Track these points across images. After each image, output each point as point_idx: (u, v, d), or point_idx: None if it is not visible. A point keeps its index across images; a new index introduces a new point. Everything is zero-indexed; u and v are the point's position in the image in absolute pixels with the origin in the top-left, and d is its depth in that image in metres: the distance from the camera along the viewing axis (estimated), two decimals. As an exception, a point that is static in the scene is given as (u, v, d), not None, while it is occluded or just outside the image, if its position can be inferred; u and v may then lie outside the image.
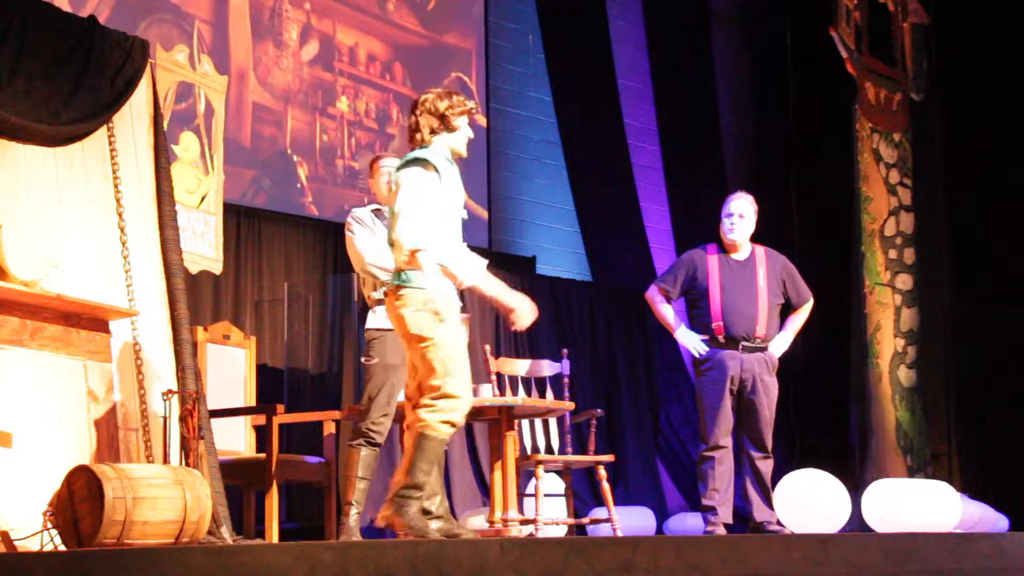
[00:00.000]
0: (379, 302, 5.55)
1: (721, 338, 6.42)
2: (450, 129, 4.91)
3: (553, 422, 6.69)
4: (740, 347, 6.41)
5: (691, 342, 6.47)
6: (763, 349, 6.45)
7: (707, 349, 6.44)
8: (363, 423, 5.57)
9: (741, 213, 6.53)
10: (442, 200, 4.81)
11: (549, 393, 6.92)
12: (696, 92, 10.89)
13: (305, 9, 8.59)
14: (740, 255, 6.58)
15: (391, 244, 4.86)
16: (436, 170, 4.81)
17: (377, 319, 5.58)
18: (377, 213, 5.78)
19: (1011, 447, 9.84)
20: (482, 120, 4.64)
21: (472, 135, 5.04)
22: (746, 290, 6.47)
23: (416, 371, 4.82)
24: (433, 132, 4.91)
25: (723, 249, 6.59)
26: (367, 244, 5.63)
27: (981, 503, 9.02)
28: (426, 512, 4.74)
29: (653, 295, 6.63)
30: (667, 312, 6.60)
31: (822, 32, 9.89)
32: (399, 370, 5.51)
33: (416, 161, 4.83)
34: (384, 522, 4.76)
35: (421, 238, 4.71)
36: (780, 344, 6.54)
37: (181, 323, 5.54)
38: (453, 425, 4.75)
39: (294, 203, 8.33)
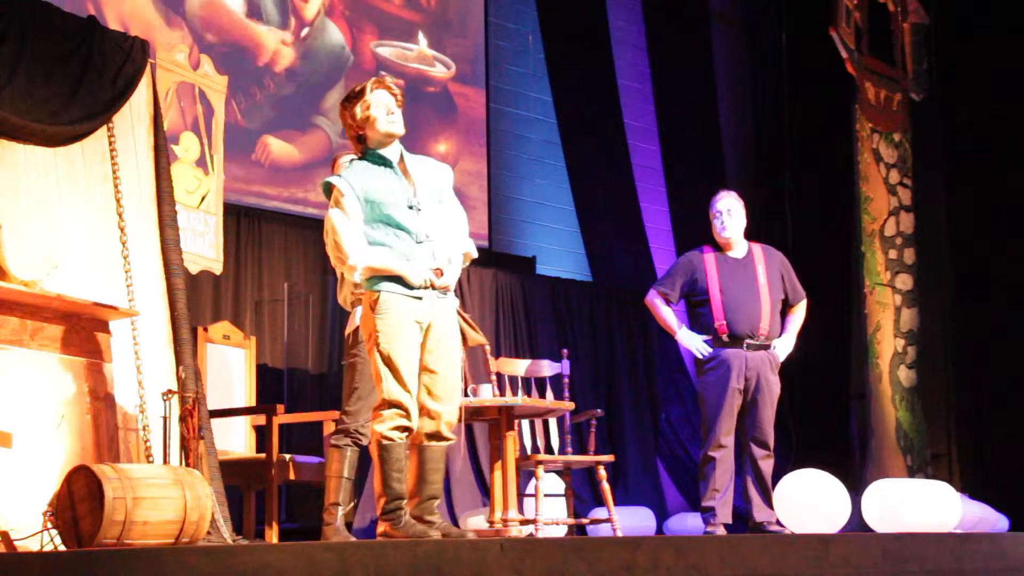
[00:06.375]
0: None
1: (725, 337, 6.41)
2: (368, 125, 4.69)
3: (553, 422, 6.68)
4: (744, 345, 6.41)
5: (693, 343, 6.47)
6: (767, 347, 6.45)
7: (710, 350, 6.43)
8: (352, 424, 5.52)
9: (729, 209, 6.54)
10: (363, 210, 4.59)
11: (549, 393, 6.92)
12: (696, 92, 10.89)
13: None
14: (737, 253, 6.58)
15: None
16: (341, 192, 4.59)
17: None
18: None
19: (1011, 447, 9.83)
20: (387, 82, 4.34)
21: (391, 107, 4.70)
22: (747, 287, 6.47)
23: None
24: (359, 139, 4.73)
25: (719, 248, 6.59)
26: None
27: (981, 503, 9.01)
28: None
29: (653, 299, 6.63)
30: (668, 315, 6.60)
31: (822, 32, 9.88)
32: None
33: (327, 189, 4.66)
34: (385, 537, 4.70)
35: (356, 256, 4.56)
36: (784, 346, 6.53)
37: (181, 323, 5.54)
38: (406, 430, 4.58)
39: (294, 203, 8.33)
